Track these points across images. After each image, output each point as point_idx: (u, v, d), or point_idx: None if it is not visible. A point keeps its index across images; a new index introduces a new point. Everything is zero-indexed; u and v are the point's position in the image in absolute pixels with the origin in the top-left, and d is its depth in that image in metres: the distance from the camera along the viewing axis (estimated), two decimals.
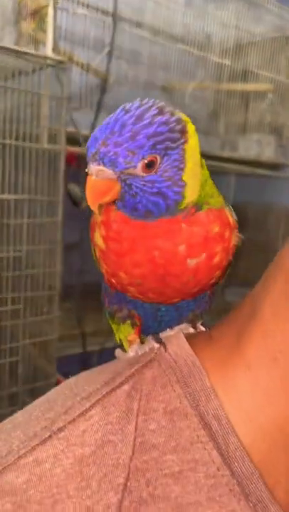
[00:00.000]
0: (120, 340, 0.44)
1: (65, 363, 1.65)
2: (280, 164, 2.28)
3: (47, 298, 1.51)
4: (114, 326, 0.44)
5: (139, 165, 0.33)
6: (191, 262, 0.35)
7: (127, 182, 0.34)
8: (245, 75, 2.11)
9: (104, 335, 1.72)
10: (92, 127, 1.54)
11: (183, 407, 0.32)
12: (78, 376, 0.39)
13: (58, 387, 0.38)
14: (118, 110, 0.34)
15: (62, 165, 1.43)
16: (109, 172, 0.33)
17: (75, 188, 1.46)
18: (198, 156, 0.36)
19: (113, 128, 0.33)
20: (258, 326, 0.33)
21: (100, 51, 1.71)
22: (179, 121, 0.34)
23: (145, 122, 0.33)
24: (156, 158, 0.33)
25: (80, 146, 1.47)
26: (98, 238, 0.37)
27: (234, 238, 0.37)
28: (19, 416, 0.35)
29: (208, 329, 0.39)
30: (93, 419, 0.31)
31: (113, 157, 0.32)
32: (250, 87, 2.15)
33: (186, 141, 0.34)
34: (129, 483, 0.29)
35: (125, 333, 0.42)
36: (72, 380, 0.39)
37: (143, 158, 0.33)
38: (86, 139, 1.54)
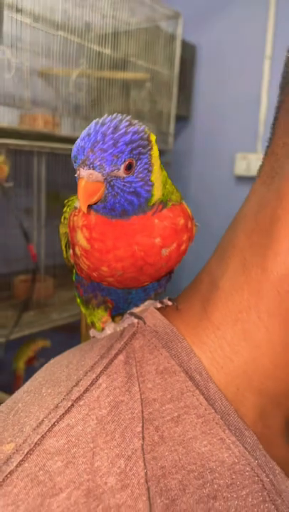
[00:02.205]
0: (92, 322, 0.49)
1: None
2: (160, 151, 2.43)
3: None
4: (86, 312, 0.49)
5: (122, 167, 0.39)
6: (165, 252, 0.42)
7: (111, 183, 0.40)
8: (124, 64, 2.19)
9: (8, 326, 1.71)
10: None
11: (171, 366, 0.39)
12: (63, 356, 0.45)
13: (48, 368, 0.43)
14: (93, 124, 0.39)
15: None
16: (98, 175, 0.39)
17: None
18: (159, 161, 0.43)
19: (96, 138, 0.38)
20: (220, 295, 0.42)
21: None
22: (145, 131, 0.41)
23: (121, 132, 0.39)
24: (133, 161, 0.40)
25: None
26: (82, 239, 0.42)
27: (194, 228, 0.45)
28: (24, 396, 0.39)
29: (174, 303, 0.47)
30: (102, 386, 0.37)
31: (102, 161, 0.38)
32: (128, 75, 2.24)
33: (151, 148, 0.41)
34: (144, 431, 0.35)
35: (98, 316, 0.48)
36: (58, 360, 0.44)
37: (124, 161, 0.39)
38: None
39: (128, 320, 0.44)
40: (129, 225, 0.41)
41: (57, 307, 1.98)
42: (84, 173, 0.38)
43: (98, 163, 0.38)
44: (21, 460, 0.32)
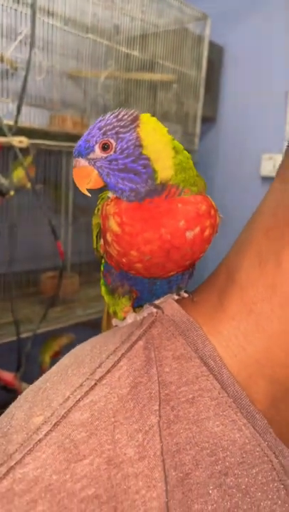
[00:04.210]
0: (114, 311, 0.52)
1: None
2: (186, 151, 2.44)
3: None
4: (111, 301, 0.52)
5: (96, 148, 0.44)
6: (190, 235, 0.44)
7: (97, 165, 0.45)
8: (152, 66, 2.22)
9: (35, 321, 1.77)
10: (16, 117, 1.54)
11: (187, 352, 0.42)
12: (87, 343, 0.48)
13: (73, 353, 0.47)
14: None
15: None
16: (81, 160, 0.45)
17: (0, 179, 1.47)
18: (160, 137, 0.45)
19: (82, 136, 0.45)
20: (235, 287, 0.44)
21: (12, 39, 1.71)
22: (130, 113, 0.45)
23: (97, 121, 0.45)
24: (108, 141, 0.44)
25: (3, 135, 1.48)
26: (114, 225, 0.45)
27: (217, 217, 0.47)
28: (52, 377, 0.43)
29: (190, 295, 0.49)
30: (123, 368, 0.41)
31: (78, 149, 0.45)
32: (156, 76, 2.27)
33: (138, 126, 0.44)
34: (161, 410, 0.38)
35: (122, 305, 0.51)
36: (82, 346, 0.48)
37: (96, 142, 0.44)
38: (10, 128, 1.56)
39: (148, 309, 0.47)
40: (156, 209, 0.44)
41: (82, 303, 2.03)
42: (74, 163, 0.46)
43: (77, 152, 0.45)
44: (49, 430, 0.35)
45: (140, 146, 0.44)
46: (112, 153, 0.44)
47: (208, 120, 2.66)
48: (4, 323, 1.71)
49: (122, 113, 0.45)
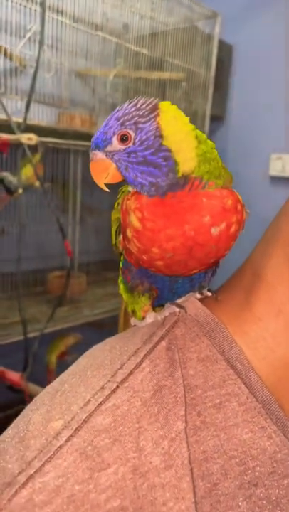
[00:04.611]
0: (133, 310, 0.50)
1: (6, 350, 1.65)
2: None
3: None
4: (129, 299, 0.50)
5: (114, 139, 0.42)
6: (215, 231, 0.41)
7: (115, 158, 0.42)
8: (161, 64, 2.20)
9: (41, 321, 1.75)
10: (25, 115, 1.53)
11: (212, 354, 0.40)
12: (105, 343, 0.46)
13: (91, 354, 0.45)
14: None
15: None
16: (98, 153, 0.43)
17: (8, 176, 1.45)
18: (181, 126, 0.42)
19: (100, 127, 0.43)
20: (263, 286, 0.42)
21: (21, 36, 1.70)
22: (148, 101, 0.42)
23: (115, 111, 0.42)
24: (127, 132, 0.42)
25: (11, 133, 1.47)
26: (135, 221, 0.42)
27: (244, 213, 0.44)
28: (70, 378, 0.41)
29: (213, 294, 0.47)
30: (145, 370, 0.38)
31: (95, 141, 0.43)
32: (165, 75, 2.25)
33: (157, 115, 0.42)
34: (187, 415, 0.36)
35: (141, 304, 0.49)
36: (100, 346, 0.46)
37: (114, 134, 0.42)
38: (19, 126, 1.54)
39: (169, 309, 0.45)
40: (179, 204, 0.41)
41: (89, 303, 2.01)
42: (91, 156, 0.43)
43: (94, 144, 0.43)
44: (70, 435, 0.33)
45: (160, 136, 0.41)
46: (130, 145, 0.41)
47: (217, 119, 2.63)
48: (11, 323, 1.69)
49: (141, 101, 0.42)
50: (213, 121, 2.55)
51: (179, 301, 0.46)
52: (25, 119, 1.52)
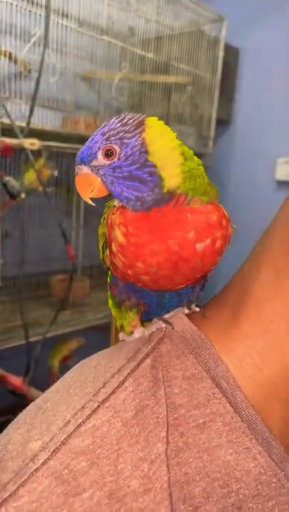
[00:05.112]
0: (121, 325, 0.49)
1: (8, 354, 1.66)
2: (200, 154, 2.43)
3: None
4: (117, 314, 0.50)
5: (99, 154, 0.42)
6: (200, 247, 0.41)
7: (100, 172, 0.42)
8: (166, 68, 2.20)
9: (44, 324, 1.75)
10: (28, 119, 1.53)
11: (198, 372, 0.39)
12: (92, 359, 0.45)
13: (77, 369, 0.44)
14: None
15: None
16: (83, 168, 0.43)
17: (11, 181, 1.46)
18: (167, 142, 0.42)
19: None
20: (251, 303, 0.41)
21: (26, 40, 1.70)
22: (136, 117, 0.42)
23: (101, 127, 0.43)
24: (112, 147, 0.41)
25: (15, 137, 1.47)
26: (119, 235, 0.42)
27: (230, 228, 0.44)
28: (53, 396, 0.40)
29: (201, 309, 0.46)
30: (128, 389, 0.38)
31: (81, 156, 0.43)
32: (170, 79, 2.25)
33: (143, 130, 0.41)
34: (168, 436, 0.36)
35: (129, 319, 0.48)
36: (87, 362, 0.45)
37: (99, 149, 0.42)
38: (22, 130, 1.54)
39: (156, 324, 0.44)
40: (163, 219, 0.41)
41: (92, 307, 2.01)
42: (76, 169, 0.43)
43: (80, 158, 0.43)
44: (47, 458, 0.33)
45: (146, 152, 0.41)
46: (115, 160, 0.41)
47: (223, 123, 2.62)
48: (13, 327, 1.69)
49: (128, 117, 0.42)
50: (220, 125, 2.54)
51: (166, 316, 0.46)
52: (28, 123, 1.53)
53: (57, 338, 1.84)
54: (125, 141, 0.41)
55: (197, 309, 0.47)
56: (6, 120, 1.48)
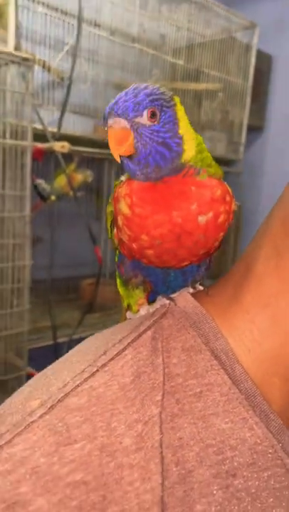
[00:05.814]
0: (129, 304, 0.50)
1: (36, 355, 1.69)
2: (230, 160, 2.42)
3: (16, 291, 1.55)
4: (125, 293, 0.51)
5: (145, 113, 0.41)
6: (202, 219, 0.42)
7: (138, 131, 0.41)
8: (197, 75, 2.22)
9: (72, 326, 1.78)
10: (59, 124, 1.58)
11: (197, 345, 0.39)
12: (97, 333, 0.46)
13: (82, 343, 0.45)
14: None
15: (28, 160, 1.46)
16: (123, 121, 0.41)
17: (42, 184, 1.50)
18: (188, 121, 0.44)
19: (120, 96, 0.41)
20: (252, 279, 0.41)
21: (59, 50, 1.76)
22: (166, 91, 0.43)
23: (141, 87, 0.42)
24: (156, 110, 0.41)
25: (47, 142, 1.52)
26: (124, 207, 0.43)
27: (233, 204, 0.45)
28: (58, 364, 0.42)
29: (205, 288, 0.47)
30: (127, 357, 0.38)
31: (124, 109, 0.40)
32: (201, 86, 2.26)
33: (175, 105, 0.43)
34: (164, 401, 0.36)
35: (136, 297, 0.49)
36: (93, 336, 0.46)
37: (146, 107, 0.41)
38: (53, 135, 1.59)
39: (160, 301, 0.45)
40: (167, 190, 0.42)
41: (120, 310, 2.02)
42: (111, 121, 0.41)
43: (121, 111, 0.40)
44: (44, 413, 0.34)
45: (177, 124, 0.42)
46: (156, 123, 0.42)
47: (255, 129, 2.61)
48: (42, 327, 1.73)
49: (162, 88, 0.43)
50: (251, 132, 2.53)
51: (171, 295, 0.46)
52: (59, 128, 1.57)
53: (83, 340, 1.86)
54: (165, 109, 0.42)
55: (201, 288, 0.47)
56: (38, 126, 1.53)
